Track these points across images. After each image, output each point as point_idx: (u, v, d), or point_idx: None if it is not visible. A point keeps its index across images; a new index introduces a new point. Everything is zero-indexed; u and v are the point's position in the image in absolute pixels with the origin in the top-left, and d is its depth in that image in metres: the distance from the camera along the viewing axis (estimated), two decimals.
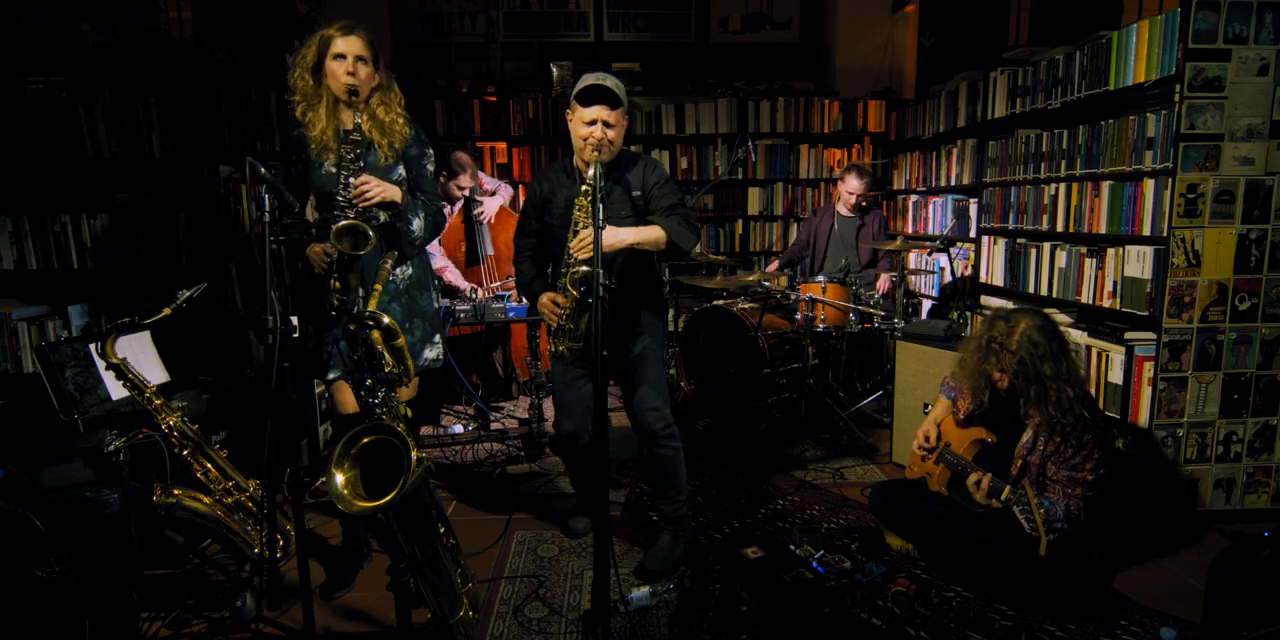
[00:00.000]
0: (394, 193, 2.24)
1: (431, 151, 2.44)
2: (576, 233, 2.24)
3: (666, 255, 2.43)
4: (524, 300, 3.54)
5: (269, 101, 3.13)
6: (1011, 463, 2.33)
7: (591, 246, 2.15)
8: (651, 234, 2.31)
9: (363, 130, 2.23)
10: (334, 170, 2.22)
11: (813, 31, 6.07)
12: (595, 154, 2.21)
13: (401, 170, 2.36)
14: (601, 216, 1.94)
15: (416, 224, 2.33)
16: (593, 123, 2.24)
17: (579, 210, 2.25)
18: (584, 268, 2.16)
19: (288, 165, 2.35)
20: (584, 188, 2.21)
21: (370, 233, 2.12)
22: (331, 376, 2.35)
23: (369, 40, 2.23)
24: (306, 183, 2.32)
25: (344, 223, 2.11)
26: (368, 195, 2.17)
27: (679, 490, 2.50)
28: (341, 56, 2.18)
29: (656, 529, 2.61)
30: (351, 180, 2.15)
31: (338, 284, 2.18)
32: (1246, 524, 2.73)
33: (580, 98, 2.25)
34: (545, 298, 2.41)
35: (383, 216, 2.28)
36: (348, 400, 2.38)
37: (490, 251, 4.18)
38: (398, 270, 2.38)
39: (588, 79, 2.26)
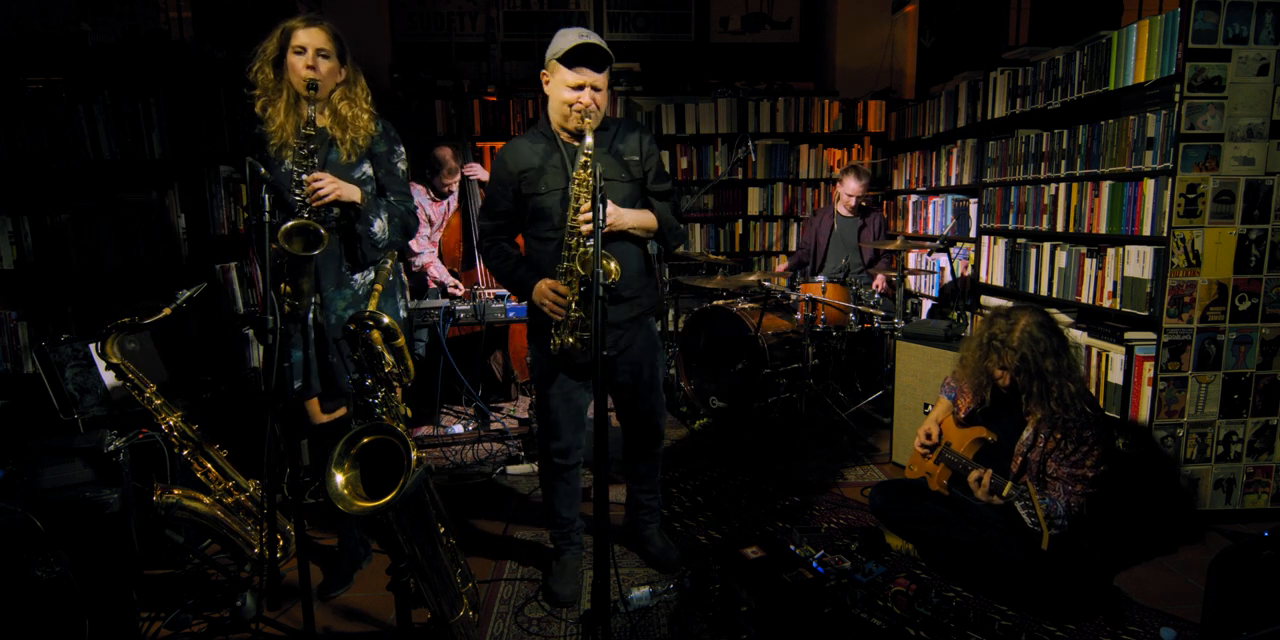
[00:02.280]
0: (351, 192, 2.12)
1: (402, 149, 2.31)
2: (578, 210, 2.04)
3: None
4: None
5: None
6: (1012, 461, 2.33)
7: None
8: (646, 220, 2.21)
9: (318, 126, 2.12)
10: (293, 168, 2.12)
11: (813, 31, 6.07)
12: (585, 122, 2.01)
13: (367, 168, 2.25)
14: (603, 216, 1.88)
15: (378, 226, 2.20)
16: (580, 87, 2.03)
17: (578, 185, 2.04)
18: (590, 249, 1.98)
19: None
20: (582, 159, 2.02)
21: (322, 232, 2.02)
22: (298, 386, 2.21)
23: (333, 33, 2.13)
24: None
25: (292, 223, 2.01)
26: (320, 193, 2.05)
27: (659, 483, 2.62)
28: (302, 49, 2.09)
29: (640, 526, 2.60)
30: (304, 177, 2.06)
31: (288, 288, 2.07)
32: (1246, 524, 2.73)
33: (565, 59, 2.02)
34: (544, 287, 2.13)
35: (335, 213, 2.17)
36: (315, 411, 2.34)
37: None
38: (358, 275, 2.25)
39: (571, 37, 2.02)
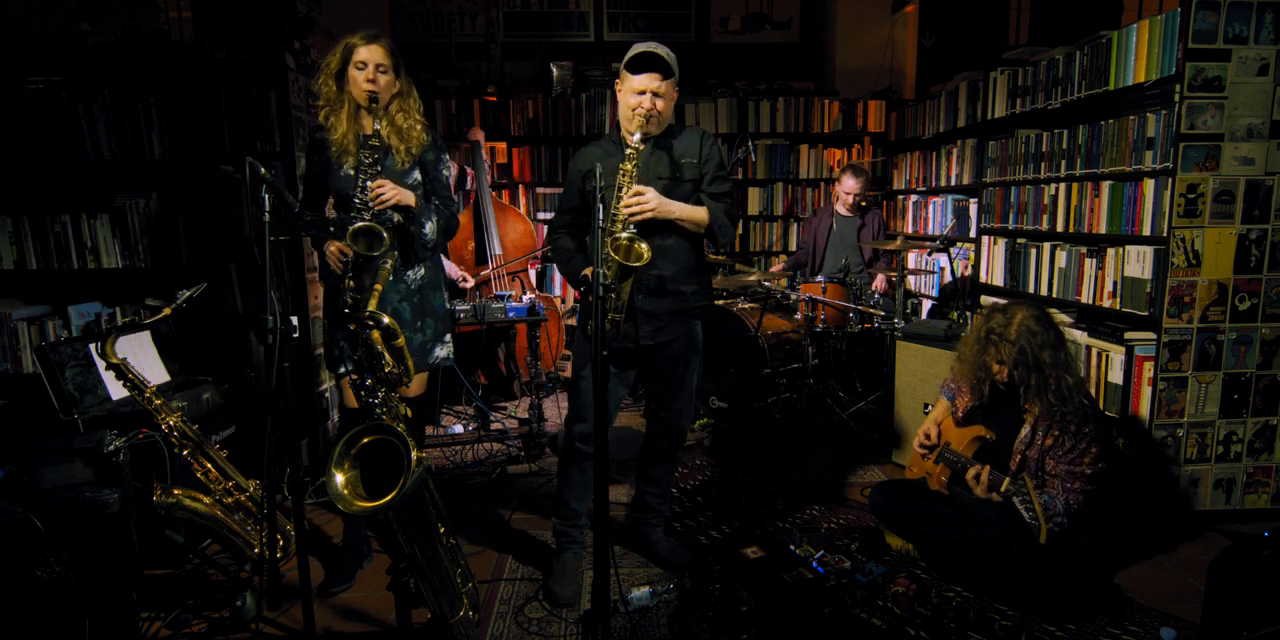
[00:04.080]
0: (408, 197, 2.31)
1: (447, 157, 2.50)
2: (618, 200, 2.15)
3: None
4: (525, 299, 3.53)
5: (269, 101, 3.13)
6: (1011, 459, 2.33)
7: (641, 210, 2.11)
8: (697, 214, 2.29)
9: (381, 136, 2.29)
10: (352, 173, 2.29)
11: (813, 31, 6.07)
12: (643, 122, 2.16)
13: (417, 174, 2.43)
14: (602, 217, 1.93)
15: (429, 227, 2.39)
16: (642, 92, 2.20)
17: (623, 175, 2.17)
18: (627, 235, 2.09)
19: (309, 165, 2.43)
20: (628, 152, 2.15)
21: (385, 235, 2.18)
22: (343, 371, 2.39)
23: (390, 49, 2.32)
24: (326, 183, 2.39)
25: (360, 224, 2.18)
26: (383, 198, 2.24)
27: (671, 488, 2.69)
28: (363, 65, 2.26)
29: (645, 528, 2.61)
30: (369, 183, 2.22)
31: (351, 283, 2.24)
32: (1246, 524, 2.73)
33: (630, 66, 2.21)
34: (589, 274, 2.28)
35: (396, 218, 2.33)
36: (352, 395, 2.41)
37: (499, 251, 4.23)
38: (410, 272, 2.42)
39: (639, 47, 2.22)
